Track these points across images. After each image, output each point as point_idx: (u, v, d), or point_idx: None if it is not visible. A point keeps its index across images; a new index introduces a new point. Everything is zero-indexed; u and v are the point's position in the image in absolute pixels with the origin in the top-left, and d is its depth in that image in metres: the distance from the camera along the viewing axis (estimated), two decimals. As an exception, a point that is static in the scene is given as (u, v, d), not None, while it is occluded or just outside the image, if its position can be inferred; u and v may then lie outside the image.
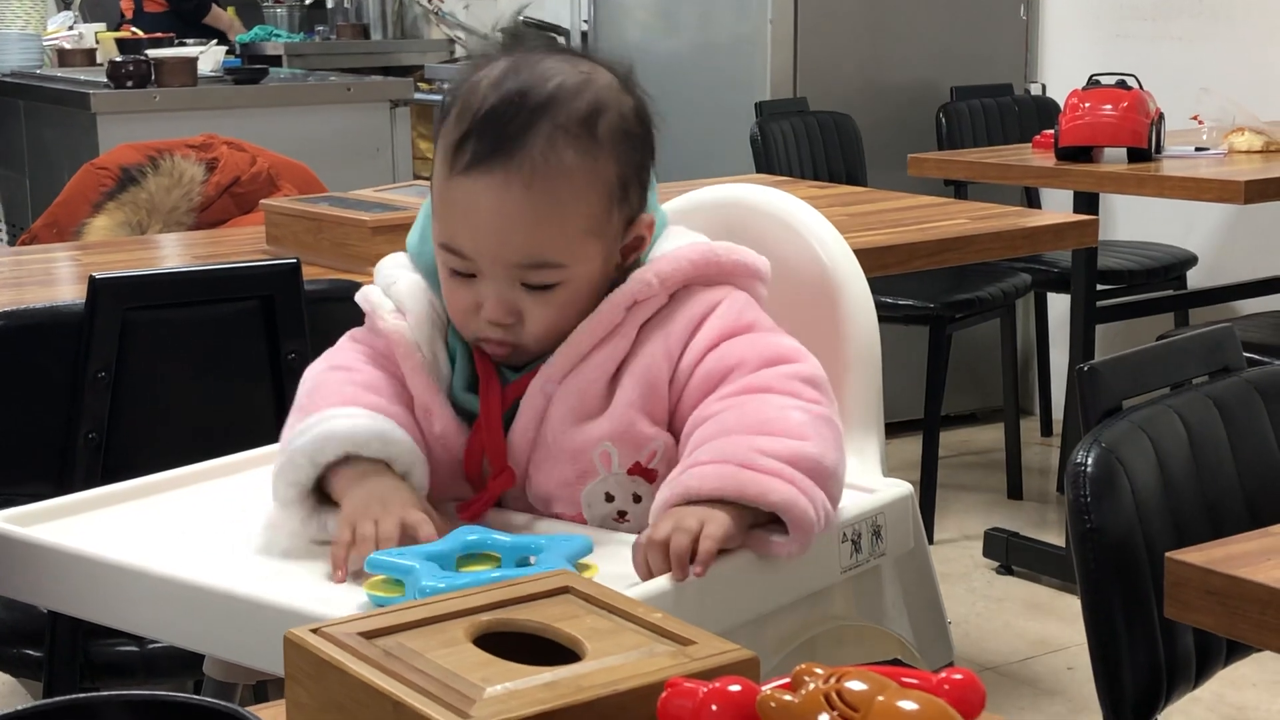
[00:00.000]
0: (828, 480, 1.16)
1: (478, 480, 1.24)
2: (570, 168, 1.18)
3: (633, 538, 1.16)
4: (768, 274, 1.29)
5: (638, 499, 1.22)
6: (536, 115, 1.18)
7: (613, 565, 1.13)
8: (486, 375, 1.23)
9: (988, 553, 3.50)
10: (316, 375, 1.27)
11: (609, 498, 1.22)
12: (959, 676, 0.70)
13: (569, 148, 1.18)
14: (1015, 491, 3.92)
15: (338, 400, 1.21)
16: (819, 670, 0.68)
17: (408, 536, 1.12)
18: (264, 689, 1.65)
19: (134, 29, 5.71)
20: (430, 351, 1.24)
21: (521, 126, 1.18)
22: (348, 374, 1.25)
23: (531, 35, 1.35)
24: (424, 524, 1.13)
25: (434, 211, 1.23)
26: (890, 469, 1.41)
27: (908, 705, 0.66)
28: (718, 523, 1.10)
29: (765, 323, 1.25)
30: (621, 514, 1.22)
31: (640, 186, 1.24)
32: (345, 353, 1.28)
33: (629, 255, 1.24)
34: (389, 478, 1.18)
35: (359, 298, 1.30)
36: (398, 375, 1.25)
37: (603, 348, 1.21)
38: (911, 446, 3.59)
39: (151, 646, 1.81)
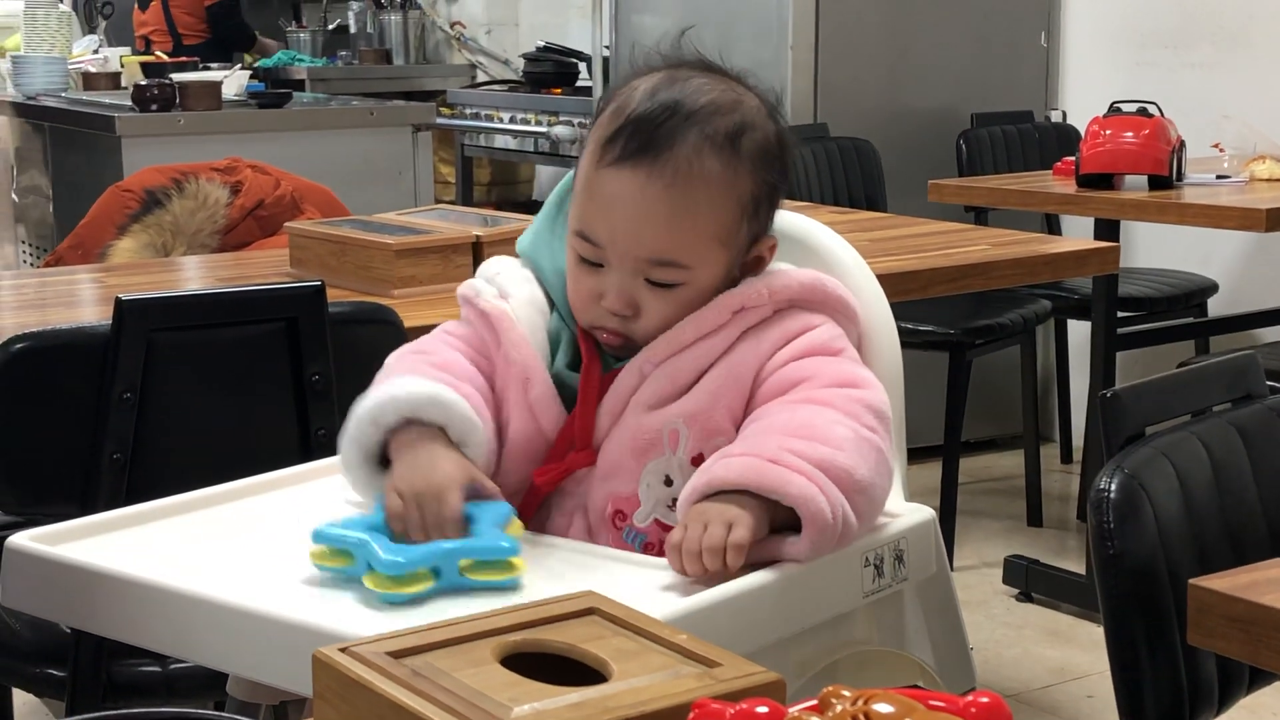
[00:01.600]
0: (855, 492, 1.17)
1: (559, 455, 1.28)
2: (711, 175, 1.25)
3: (650, 559, 1.18)
4: (860, 319, 1.36)
5: None
6: (688, 123, 1.26)
7: (544, 582, 1.13)
8: (590, 356, 1.29)
9: (1007, 580, 3.49)
10: (395, 355, 1.34)
11: (668, 481, 1.25)
12: (985, 700, 0.70)
13: (713, 156, 1.25)
14: (1035, 518, 3.90)
15: (407, 373, 1.28)
16: (846, 693, 0.69)
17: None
18: (285, 710, 1.65)
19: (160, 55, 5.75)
20: (530, 328, 1.31)
21: (671, 130, 1.25)
22: (424, 355, 1.31)
23: (692, 53, 1.40)
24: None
25: (575, 200, 1.30)
26: (910, 494, 1.41)
27: (934, 728, 0.66)
28: (744, 526, 1.13)
29: (852, 354, 1.31)
30: (675, 501, 1.24)
31: (770, 207, 1.31)
32: (428, 339, 1.36)
33: (747, 273, 1.31)
34: (440, 445, 1.22)
35: (460, 288, 1.36)
36: (480, 363, 1.31)
37: (704, 342, 1.27)
38: (931, 472, 3.59)
39: (174, 666, 1.81)
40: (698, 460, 1.24)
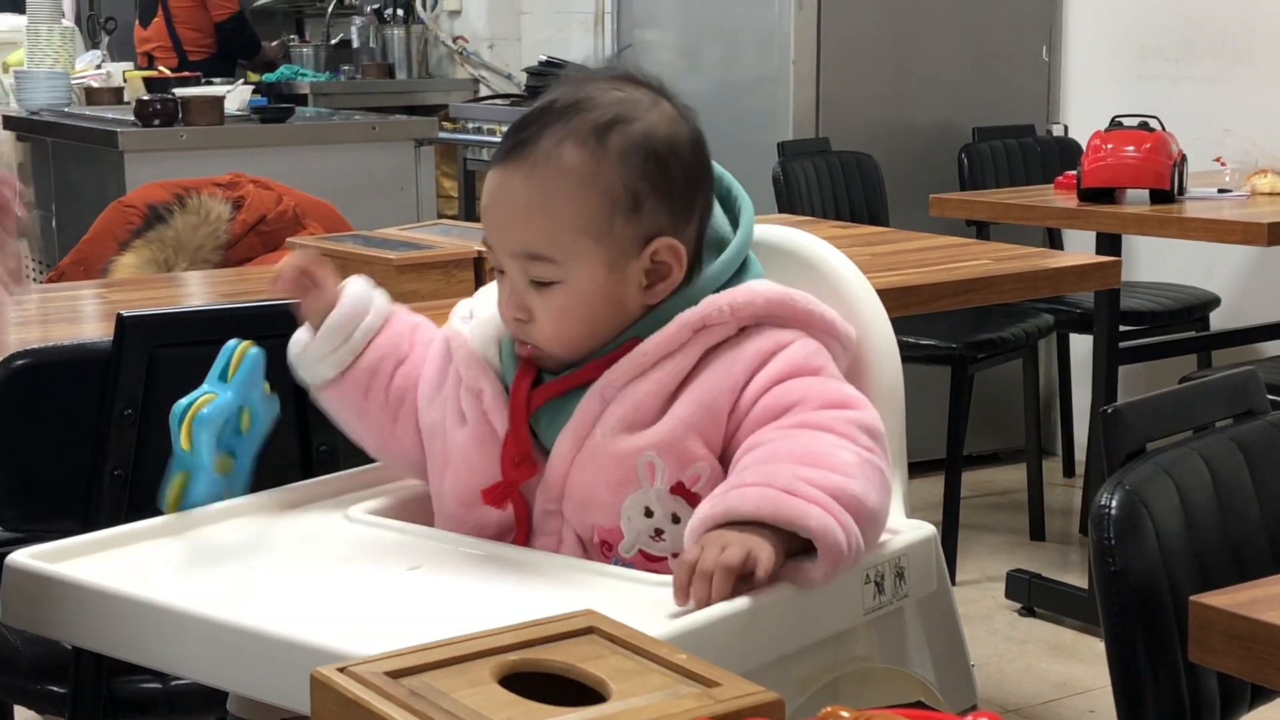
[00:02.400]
0: (866, 520, 1.17)
1: (505, 470, 1.29)
2: (569, 166, 1.24)
3: (645, 576, 1.17)
4: (848, 338, 1.33)
5: (677, 519, 1.24)
6: (554, 119, 1.26)
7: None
8: (522, 369, 1.29)
9: (1010, 594, 3.48)
10: None
11: (648, 512, 1.24)
12: (985, 719, 0.70)
13: (573, 148, 1.24)
14: (1038, 533, 3.90)
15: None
16: (845, 713, 0.68)
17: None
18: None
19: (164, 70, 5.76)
20: (482, 346, 1.32)
21: (539, 127, 1.26)
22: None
23: (621, 68, 1.40)
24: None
25: None
26: (912, 509, 1.41)
27: (933, 749, 0.66)
28: (766, 553, 1.12)
29: (832, 370, 1.28)
30: (659, 532, 1.24)
31: (665, 209, 1.27)
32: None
33: (656, 283, 1.28)
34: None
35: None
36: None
37: (666, 363, 1.25)
38: (933, 487, 3.58)
39: (174, 683, 1.81)
40: (677, 489, 1.23)
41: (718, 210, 1.36)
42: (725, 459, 1.25)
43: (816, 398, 1.24)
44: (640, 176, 1.26)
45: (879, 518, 1.20)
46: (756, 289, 1.29)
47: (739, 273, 1.33)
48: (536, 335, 1.27)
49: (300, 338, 1.37)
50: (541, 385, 1.28)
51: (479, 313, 1.34)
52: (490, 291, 1.35)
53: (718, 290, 1.29)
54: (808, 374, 1.26)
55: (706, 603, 1.10)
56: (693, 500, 1.23)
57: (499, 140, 1.37)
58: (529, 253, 1.25)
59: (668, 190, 1.27)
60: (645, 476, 1.24)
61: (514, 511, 1.28)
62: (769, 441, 1.21)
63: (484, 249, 1.33)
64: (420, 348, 1.37)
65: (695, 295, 1.28)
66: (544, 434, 1.28)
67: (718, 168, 1.37)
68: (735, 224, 1.36)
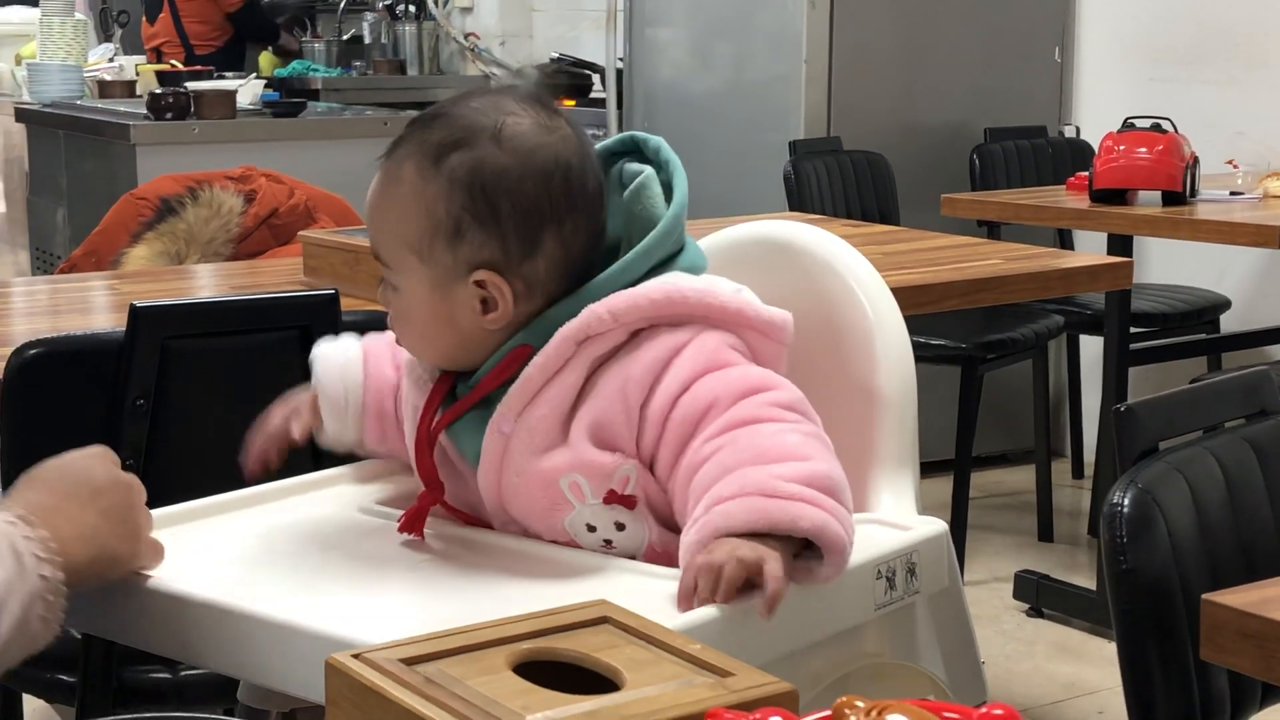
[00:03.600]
0: (841, 494, 1.16)
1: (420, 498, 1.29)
2: (404, 179, 1.24)
3: (658, 569, 1.17)
4: (772, 325, 1.25)
5: (621, 527, 1.22)
6: (418, 129, 1.26)
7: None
8: (435, 389, 1.28)
9: (1018, 595, 3.48)
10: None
11: (590, 528, 1.22)
12: (999, 712, 0.70)
13: (411, 162, 1.24)
14: (1046, 534, 3.90)
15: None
16: (860, 704, 0.68)
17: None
18: (294, 717, 1.65)
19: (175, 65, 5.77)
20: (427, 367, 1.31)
21: (405, 136, 1.27)
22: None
23: (528, 80, 1.36)
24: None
25: None
26: (921, 509, 1.41)
27: (948, 739, 0.66)
28: (776, 561, 1.09)
29: (736, 360, 1.22)
30: (607, 542, 1.23)
31: (493, 241, 1.22)
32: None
33: (489, 312, 1.23)
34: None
35: None
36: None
37: (554, 383, 1.21)
38: (942, 487, 3.58)
39: (184, 672, 1.81)
40: (610, 497, 1.20)
41: (659, 201, 1.29)
42: (654, 469, 1.21)
43: (727, 393, 1.18)
44: (461, 207, 1.22)
45: (847, 488, 1.17)
46: (637, 292, 1.21)
47: (665, 263, 1.26)
48: (398, 336, 1.30)
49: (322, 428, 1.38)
50: (450, 408, 1.26)
51: None
52: None
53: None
54: (712, 371, 1.20)
55: (711, 599, 1.09)
56: (629, 503, 1.21)
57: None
58: (375, 252, 1.27)
59: (495, 224, 1.22)
60: (574, 497, 1.21)
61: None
62: (711, 455, 1.16)
63: None
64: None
65: (583, 302, 1.22)
66: (467, 458, 1.26)
67: (667, 152, 1.31)
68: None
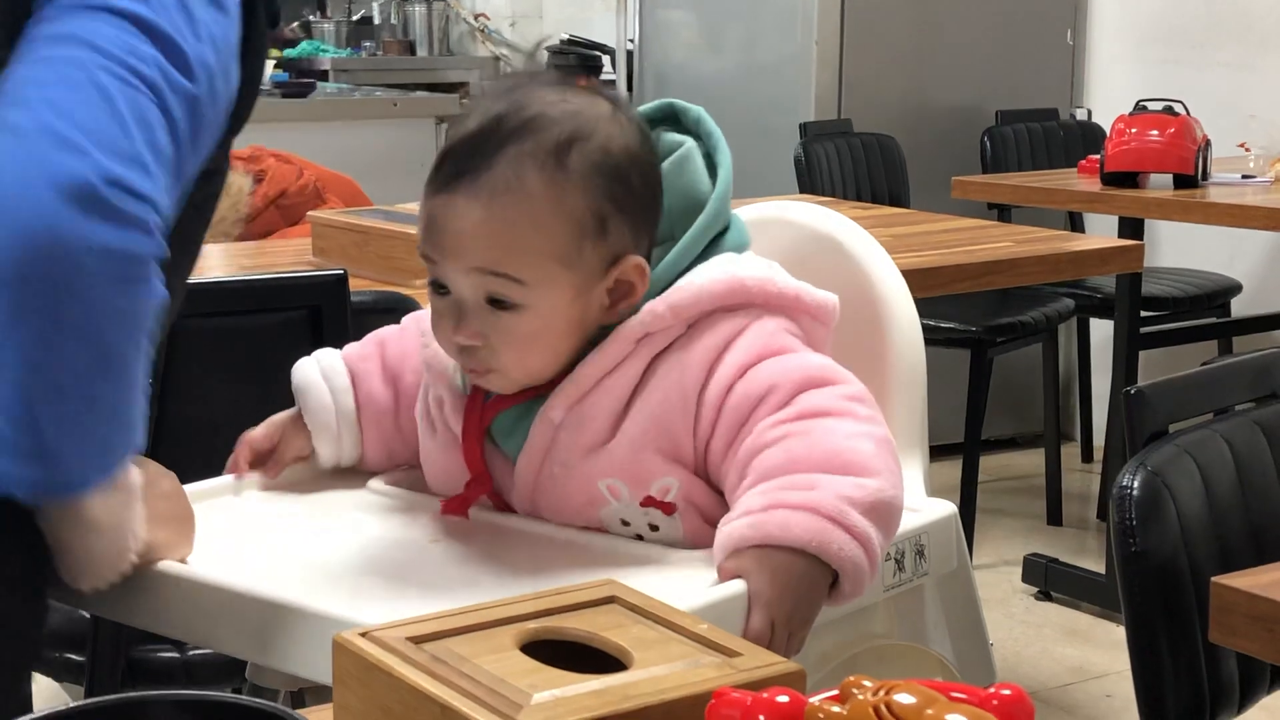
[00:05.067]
0: (895, 520, 1.14)
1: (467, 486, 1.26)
2: (533, 193, 1.15)
3: (667, 550, 1.17)
4: (822, 308, 1.24)
5: (655, 528, 1.21)
6: (506, 141, 1.16)
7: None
8: (476, 388, 1.23)
9: (1026, 578, 3.48)
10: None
11: (625, 523, 1.21)
12: (1008, 692, 0.70)
13: (534, 173, 1.15)
14: (1055, 517, 3.89)
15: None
16: (868, 683, 0.68)
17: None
18: (302, 696, 1.65)
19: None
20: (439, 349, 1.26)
21: (488, 151, 1.16)
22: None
23: (546, 69, 1.32)
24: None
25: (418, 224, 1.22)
26: (930, 492, 1.40)
27: (956, 719, 0.66)
28: (807, 625, 1.09)
29: (799, 346, 1.20)
30: (639, 537, 1.22)
31: (629, 225, 1.19)
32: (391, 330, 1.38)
33: (618, 302, 1.19)
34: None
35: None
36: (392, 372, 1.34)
37: (610, 379, 1.18)
38: (951, 470, 3.58)
39: (193, 653, 1.82)
40: (648, 502, 1.19)
41: (703, 175, 1.27)
42: (703, 469, 1.19)
43: (789, 379, 1.16)
44: (602, 196, 1.17)
45: (901, 507, 1.16)
46: (696, 282, 1.20)
47: (712, 245, 1.24)
48: (492, 362, 1.18)
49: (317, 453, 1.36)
50: (492, 399, 1.22)
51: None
52: None
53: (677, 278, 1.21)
54: (771, 355, 1.18)
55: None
56: (667, 509, 1.19)
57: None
58: (493, 269, 1.15)
59: (631, 205, 1.19)
60: (611, 498, 1.19)
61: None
62: (780, 440, 1.14)
63: (429, 261, 1.19)
64: (409, 374, 1.34)
65: (650, 291, 1.20)
66: (504, 446, 1.23)
67: (709, 124, 1.29)
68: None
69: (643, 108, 1.30)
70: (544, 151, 1.15)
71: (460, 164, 1.16)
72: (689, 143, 1.27)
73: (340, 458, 1.36)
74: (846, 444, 1.13)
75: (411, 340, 1.34)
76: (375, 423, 1.35)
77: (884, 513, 1.12)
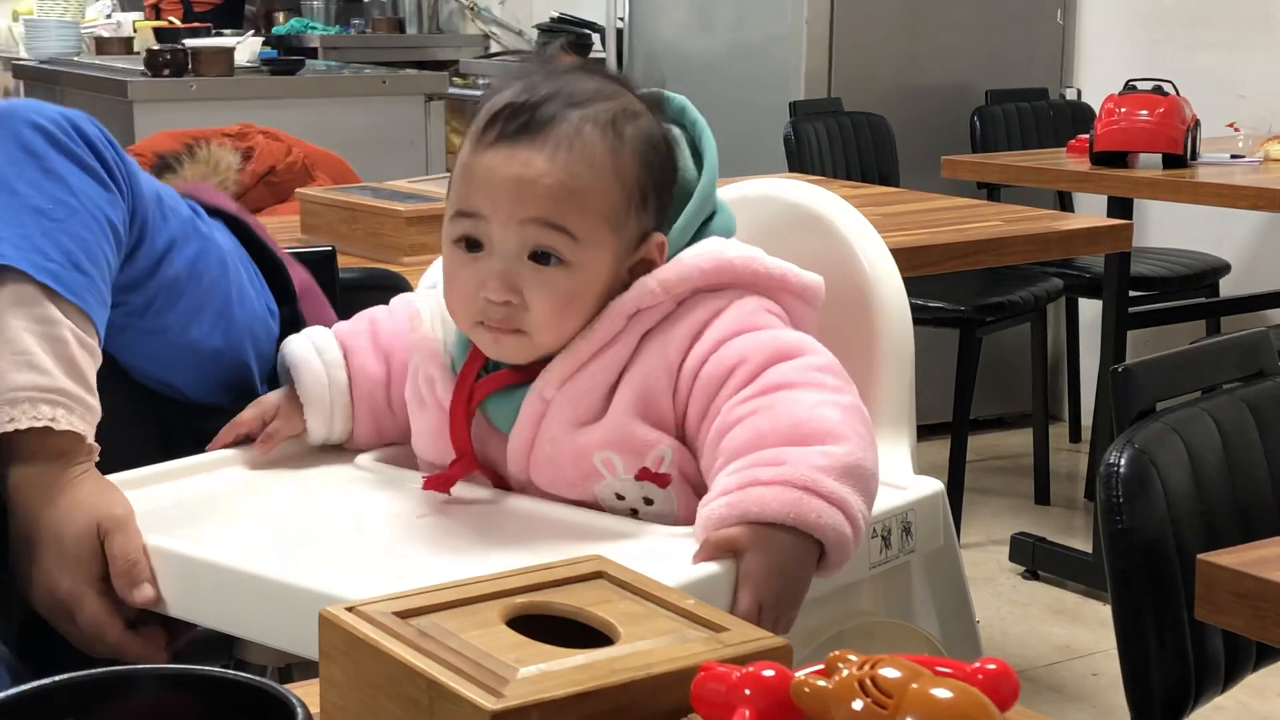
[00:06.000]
0: (872, 483, 1.15)
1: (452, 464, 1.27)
2: (594, 153, 1.19)
3: (654, 527, 1.17)
4: (807, 289, 1.26)
5: (649, 502, 1.22)
6: (569, 106, 1.20)
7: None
8: (471, 358, 1.25)
9: (1014, 557, 3.49)
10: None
11: (619, 496, 1.22)
12: (993, 666, 0.70)
13: (596, 135, 1.20)
14: (1043, 497, 3.90)
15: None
16: (853, 657, 0.68)
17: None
18: (290, 672, 1.65)
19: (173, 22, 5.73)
20: (433, 326, 1.28)
21: (552, 112, 1.20)
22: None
23: (560, 62, 1.34)
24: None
25: (453, 187, 1.23)
26: (918, 471, 1.41)
27: (941, 693, 0.66)
28: (795, 605, 1.10)
29: (776, 324, 1.22)
30: (633, 512, 1.23)
31: (659, 205, 1.24)
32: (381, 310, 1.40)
33: (635, 275, 1.23)
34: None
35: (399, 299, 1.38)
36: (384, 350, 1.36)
37: (602, 355, 1.21)
38: (939, 450, 3.59)
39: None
40: (643, 474, 1.20)
41: (689, 164, 1.31)
42: (684, 436, 1.21)
43: (761, 353, 1.18)
44: (649, 172, 1.23)
45: (876, 470, 1.17)
46: (686, 261, 1.23)
47: (700, 230, 1.28)
48: (521, 321, 1.20)
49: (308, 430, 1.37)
50: (483, 379, 1.25)
51: (440, 285, 1.28)
52: (438, 295, 1.28)
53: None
54: (744, 332, 1.20)
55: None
56: (662, 481, 1.20)
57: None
58: (550, 220, 1.18)
59: (664, 186, 1.25)
60: (606, 471, 1.21)
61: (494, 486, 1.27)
62: (745, 417, 1.15)
63: (468, 217, 1.20)
64: (401, 352, 1.35)
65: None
66: (497, 423, 1.25)
67: (693, 113, 1.33)
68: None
69: None
70: (604, 119, 1.21)
71: (522, 120, 1.19)
72: (675, 132, 1.31)
73: (331, 433, 1.36)
74: (811, 414, 1.15)
75: (402, 321, 1.34)
76: (367, 396, 1.36)
77: (858, 476, 1.13)
